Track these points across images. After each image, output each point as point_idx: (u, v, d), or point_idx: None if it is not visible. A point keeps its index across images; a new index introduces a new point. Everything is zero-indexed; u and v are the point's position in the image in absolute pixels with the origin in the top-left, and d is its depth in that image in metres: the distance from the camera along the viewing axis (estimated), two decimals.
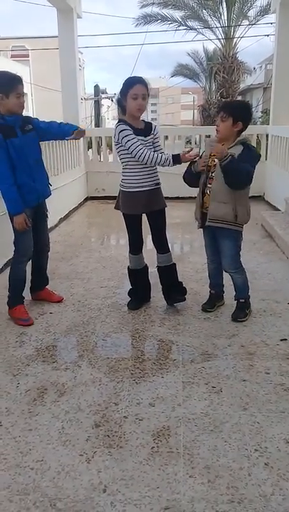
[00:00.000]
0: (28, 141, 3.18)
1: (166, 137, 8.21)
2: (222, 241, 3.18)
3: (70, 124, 3.55)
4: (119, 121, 3.18)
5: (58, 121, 3.50)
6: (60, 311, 3.48)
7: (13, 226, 3.18)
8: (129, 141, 3.07)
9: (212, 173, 3.05)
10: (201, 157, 3.14)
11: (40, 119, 3.38)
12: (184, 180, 3.26)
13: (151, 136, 3.21)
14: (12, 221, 3.16)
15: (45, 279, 3.67)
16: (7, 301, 3.36)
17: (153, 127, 3.24)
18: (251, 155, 2.98)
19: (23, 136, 3.14)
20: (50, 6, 7.12)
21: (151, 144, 3.20)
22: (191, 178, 3.19)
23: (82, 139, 7.72)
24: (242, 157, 2.92)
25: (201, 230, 3.31)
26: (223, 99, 17.37)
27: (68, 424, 2.18)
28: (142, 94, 3.04)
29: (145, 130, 3.19)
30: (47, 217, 3.50)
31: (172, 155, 3.12)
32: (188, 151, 3.14)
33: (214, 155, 2.98)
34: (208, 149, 3.12)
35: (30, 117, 3.37)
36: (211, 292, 3.48)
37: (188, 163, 3.16)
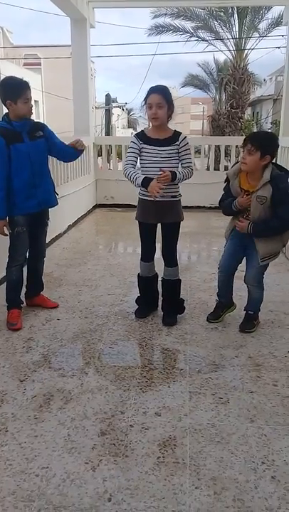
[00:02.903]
0: (36, 148, 3.20)
1: None
2: (255, 254, 3.08)
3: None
4: (138, 132, 3.26)
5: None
6: (68, 317, 3.48)
7: (10, 231, 3.23)
8: (126, 153, 3.15)
9: (247, 209, 2.99)
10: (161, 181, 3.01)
11: (52, 130, 3.40)
12: (222, 210, 3.20)
13: (173, 147, 3.10)
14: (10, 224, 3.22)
15: (41, 285, 3.68)
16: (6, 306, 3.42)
17: (180, 138, 3.12)
18: (284, 193, 2.85)
19: (30, 142, 3.17)
20: (64, 15, 7.21)
21: (170, 154, 3.09)
22: (231, 212, 3.11)
23: (92, 146, 7.81)
24: (275, 200, 2.86)
25: (215, 240, 3.29)
26: (233, 110, 17.48)
27: (74, 431, 2.18)
28: (157, 103, 3.01)
29: (165, 140, 3.11)
30: (47, 225, 3.51)
31: (143, 179, 3.03)
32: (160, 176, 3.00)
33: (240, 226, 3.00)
34: (233, 181, 3.03)
35: (43, 124, 3.37)
36: (217, 302, 3.42)
37: (226, 192, 3.12)
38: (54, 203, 3.45)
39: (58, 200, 3.51)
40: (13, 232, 3.25)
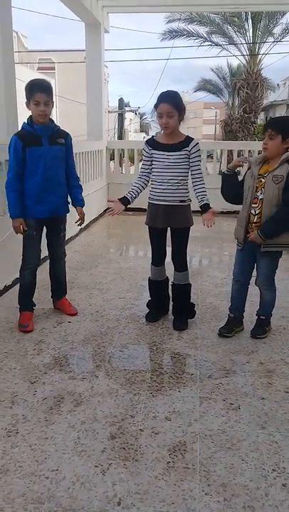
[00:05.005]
0: (53, 153, 3.20)
1: None
2: (262, 259, 3.06)
3: (79, 193, 3.54)
4: (148, 139, 3.31)
5: (78, 179, 3.53)
6: (79, 320, 3.49)
7: (23, 236, 3.28)
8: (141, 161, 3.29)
9: (258, 192, 2.94)
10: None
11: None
12: (223, 195, 3.17)
13: (182, 152, 3.11)
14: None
15: (62, 290, 3.67)
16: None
17: (191, 145, 3.11)
18: None
19: (49, 147, 3.17)
20: (79, 20, 7.27)
21: (179, 159, 3.10)
22: (228, 186, 3.10)
23: (104, 150, 7.85)
24: (287, 182, 2.81)
25: (226, 244, 3.24)
26: (246, 115, 17.44)
27: (84, 434, 2.18)
28: (167, 112, 3.01)
29: (175, 146, 3.11)
30: (62, 232, 3.49)
31: (124, 197, 3.25)
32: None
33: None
34: (254, 167, 2.99)
35: (67, 134, 3.36)
36: (230, 316, 3.31)
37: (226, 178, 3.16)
38: (65, 211, 3.43)
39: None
40: (24, 235, 3.29)
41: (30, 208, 3.22)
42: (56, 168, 3.26)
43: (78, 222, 3.56)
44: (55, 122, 3.35)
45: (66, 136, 3.34)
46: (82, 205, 3.54)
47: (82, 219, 3.58)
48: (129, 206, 3.30)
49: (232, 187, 3.11)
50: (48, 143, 3.17)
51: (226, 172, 3.14)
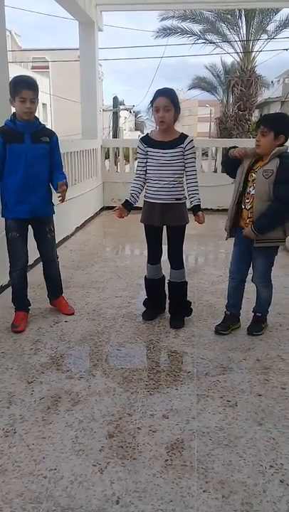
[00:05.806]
0: (35, 151, 3.13)
1: None
2: (257, 256, 3.07)
3: (61, 173, 3.35)
4: (143, 136, 3.29)
5: (62, 168, 3.39)
6: (75, 319, 3.49)
7: (6, 237, 3.26)
8: (137, 162, 3.32)
9: (250, 187, 2.94)
10: None
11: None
12: (222, 166, 3.19)
13: (177, 150, 3.10)
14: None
15: (57, 289, 3.64)
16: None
17: (185, 141, 3.11)
18: (288, 170, 2.80)
19: (32, 145, 3.10)
20: (72, 19, 7.25)
21: (174, 157, 3.10)
22: (228, 165, 3.11)
23: (99, 149, 7.84)
24: (277, 176, 2.80)
25: (222, 242, 3.24)
26: (241, 112, 17.45)
27: (82, 433, 2.18)
28: (164, 106, 3.01)
29: (170, 143, 3.11)
30: (49, 233, 3.41)
31: (126, 200, 3.31)
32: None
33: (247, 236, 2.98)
34: (248, 159, 2.98)
35: (52, 132, 3.31)
36: (227, 313, 3.32)
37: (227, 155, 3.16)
38: (49, 212, 3.36)
39: (66, 203, 3.44)
40: (7, 237, 3.24)
41: (10, 208, 3.17)
42: (38, 166, 3.16)
43: (59, 199, 3.29)
44: (50, 121, 3.33)
45: (51, 134, 3.27)
46: (63, 179, 3.26)
47: (63, 195, 3.27)
48: None
49: (232, 165, 3.09)
50: (30, 140, 3.10)
51: (229, 156, 3.08)
